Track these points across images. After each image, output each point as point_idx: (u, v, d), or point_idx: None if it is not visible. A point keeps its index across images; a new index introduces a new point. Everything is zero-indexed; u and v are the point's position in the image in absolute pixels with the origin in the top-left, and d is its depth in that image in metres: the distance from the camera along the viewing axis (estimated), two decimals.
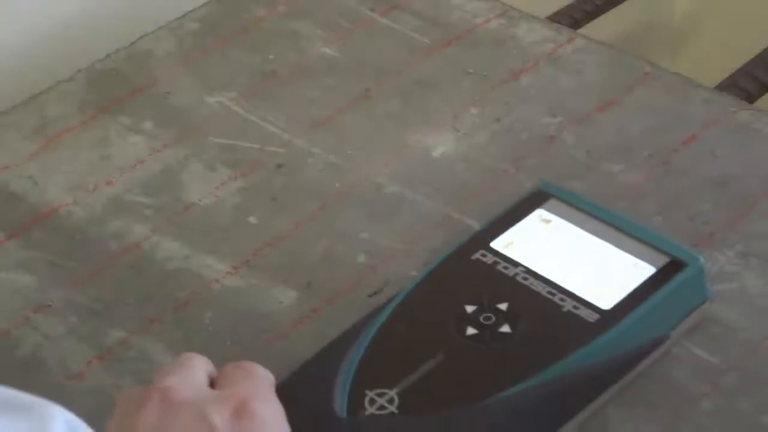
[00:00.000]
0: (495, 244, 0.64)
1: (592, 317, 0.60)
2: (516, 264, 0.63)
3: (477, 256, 0.64)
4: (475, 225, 0.72)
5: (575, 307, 0.61)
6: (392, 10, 0.88)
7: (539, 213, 0.66)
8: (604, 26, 1.05)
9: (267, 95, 0.81)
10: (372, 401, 0.57)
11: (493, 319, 0.60)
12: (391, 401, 0.57)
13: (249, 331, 0.67)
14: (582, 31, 0.91)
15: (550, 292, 0.61)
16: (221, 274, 0.70)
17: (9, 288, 0.70)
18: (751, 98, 0.88)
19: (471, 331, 0.60)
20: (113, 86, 0.83)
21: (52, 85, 0.83)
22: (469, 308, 0.61)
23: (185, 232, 0.73)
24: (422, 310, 0.62)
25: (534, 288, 0.62)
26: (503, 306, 0.61)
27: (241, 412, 0.53)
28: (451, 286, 0.63)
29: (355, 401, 0.57)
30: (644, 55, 0.84)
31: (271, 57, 0.85)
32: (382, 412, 0.57)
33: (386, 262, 0.70)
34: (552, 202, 0.66)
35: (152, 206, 0.75)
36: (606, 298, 0.61)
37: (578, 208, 0.66)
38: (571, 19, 1.00)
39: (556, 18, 0.97)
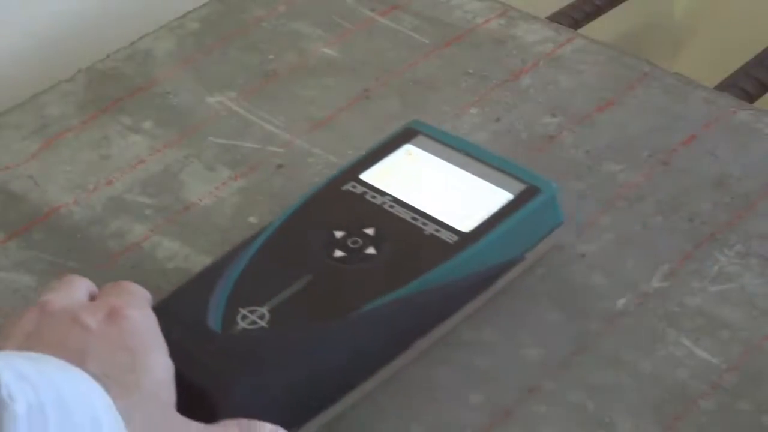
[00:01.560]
0: (364, 176, 0.68)
1: (451, 239, 0.64)
2: (383, 193, 0.67)
3: (347, 187, 0.68)
4: None
5: (436, 230, 0.65)
6: (392, 10, 0.88)
7: (407, 148, 0.70)
8: (604, 26, 1.05)
9: (267, 95, 0.81)
10: (244, 317, 0.61)
11: (360, 242, 0.64)
12: (262, 317, 0.61)
13: None
14: (582, 31, 0.91)
15: (413, 218, 0.65)
16: None
17: (9, 288, 0.70)
18: (751, 98, 0.88)
19: (339, 253, 0.64)
20: (113, 86, 0.83)
21: (52, 85, 0.83)
22: (338, 233, 0.65)
23: (185, 232, 0.73)
24: (294, 235, 0.65)
25: (399, 214, 0.66)
26: (370, 231, 0.65)
27: (114, 315, 0.57)
28: (322, 214, 0.66)
29: (229, 317, 0.61)
30: (644, 55, 0.84)
31: (271, 57, 0.85)
32: (254, 326, 0.60)
33: None
34: (419, 138, 0.70)
35: (152, 206, 0.75)
36: (465, 222, 0.65)
37: (443, 143, 0.70)
38: (571, 19, 1.00)
39: (556, 18, 0.97)
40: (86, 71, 0.84)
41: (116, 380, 0.54)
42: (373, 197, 0.67)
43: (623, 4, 1.09)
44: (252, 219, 0.74)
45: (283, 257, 0.64)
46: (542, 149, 0.77)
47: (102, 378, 0.52)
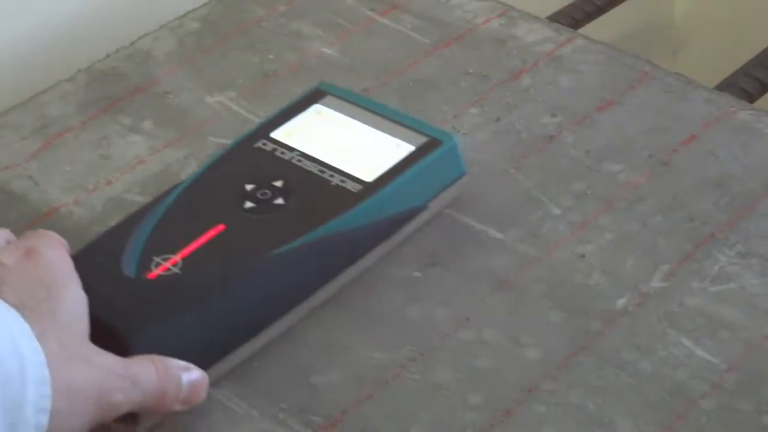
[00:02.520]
0: (275, 134, 0.72)
1: (355, 188, 0.68)
2: (292, 149, 0.71)
3: (258, 144, 0.71)
4: (476, 225, 0.72)
5: (342, 181, 0.68)
6: (392, 10, 0.88)
7: (316, 108, 0.74)
8: (604, 26, 1.05)
9: (267, 95, 0.81)
10: (158, 264, 0.64)
11: (269, 194, 0.68)
12: (175, 264, 0.64)
13: None
14: (582, 31, 0.91)
15: (320, 170, 0.69)
16: None
17: None
18: (751, 98, 0.88)
19: (249, 204, 0.68)
20: (113, 86, 0.83)
21: (52, 85, 0.83)
22: (249, 186, 0.69)
23: None
24: (208, 189, 0.69)
25: (307, 168, 0.70)
26: (278, 183, 0.69)
27: (29, 253, 0.60)
28: (234, 169, 0.70)
29: (143, 264, 0.64)
30: (644, 55, 0.84)
31: (271, 57, 0.85)
32: (166, 272, 0.64)
33: (386, 262, 0.70)
34: (328, 98, 0.74)
35: None
36: (369, 173, 0.69)
37: (351, 102, 0.74)
38: (571, 19, 1.00)
39: (556, 18, 0.97)
40: (86, 71, 0.84)
41: (32, 309, 0.57)
42: (283, 153, 0.71)
43: (623, 4, 1.09)
44: None
45: (196, 209, 0.68)
46: (542, 149, 0.77)
47: (18, 307, 0.55)
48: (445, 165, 0.71)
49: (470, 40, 0.85)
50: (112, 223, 0.72)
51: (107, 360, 0.58)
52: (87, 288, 0.61)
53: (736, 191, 0.73)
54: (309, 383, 0.64)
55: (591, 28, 1.00)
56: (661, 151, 0.76)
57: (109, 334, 0.60)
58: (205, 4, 0.90)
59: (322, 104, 0.74)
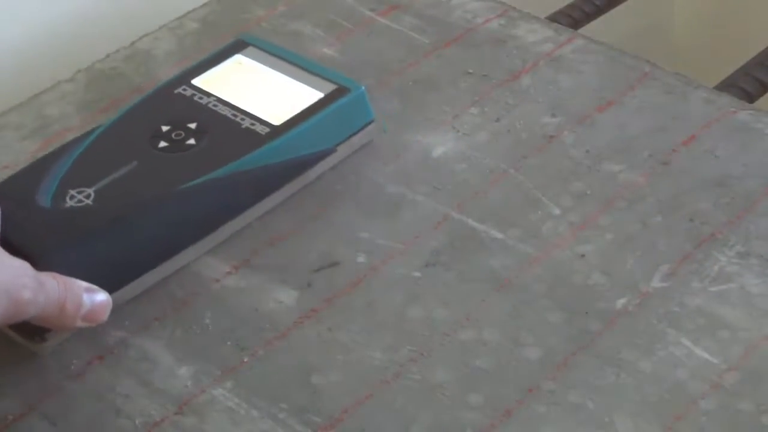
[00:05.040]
0: (195, 81, 0.76)
1: (264, 131, 0.73)
2: (210, 95, 0.75)
3: (179, 90, 0.76)
4: (476, 225, 0.72)
5: (252, 124, 0.73)
6: (392, 10, 0.88)
7: (237, 58, 0.78)
8: (604, 26, 1.05)
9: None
10: (72, 197, 0.69)
11: (182, 135, 0.72)
12: (88, 196, 0.69)
13: (249, 331, 0.67)
14: (582, 31, 0.91)
15: (233, 114, 0.74)
16: (221, 274, 0.71)
17: None
18: (751, 98, 0.87)
19: (162, 144, 0.72)
20: (113, 86, 0.83)
21: (52, 85, 0.83)
22: (164, 128, 0.73)
23: None
24: (126, 129, 0.73)
25: (221, 112, 0.74)
26: (192, 125, 0.73)
27: None
28: (153, 112, 0.74)
29: (58, 196, 0.69)
30: (644, 55, 0.84)
31: None
32: (80, 204, 0.68)
33: (386, 262, 0.70)
34: (249, 49, 0.79)
35: None
36: (278, 117, 0.73)
37: (270, 53, 0.78)
38: (571, 19, 1.00)
39: (556, 18, 0.96)
40: (86, 71, 0.84)
41: None
42: (200, 98, 0.75)
43: (623, 4, 1.09)
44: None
45: (113, 147, 0.72)
46: (542, 149, 0.77)
47: None
48: (353, 111, 0.76)
49: (470, 40, 0.85)
50: None
51: (17, 262, 0.61)
52: (3, 217, 0.64)
53: (736, 191, 0.73)
54: (309, 383, 0.64)
55: (591, 28, 1.00)
56: (661, 151, 0.76)
57: (21, 258, 0.63)
58: (205, 4, 0.90)
59: (243, 54, 0.78)
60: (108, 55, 0.85)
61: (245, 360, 0.66)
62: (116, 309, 0.68)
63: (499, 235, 0.72)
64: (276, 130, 0.73)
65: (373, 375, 0.65)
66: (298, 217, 0.73)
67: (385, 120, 0.79)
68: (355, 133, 0.76)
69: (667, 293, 0.68)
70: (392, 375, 0.65)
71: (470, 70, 0.83)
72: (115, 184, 0.69)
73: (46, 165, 0.71)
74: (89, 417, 0.64)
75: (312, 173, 0.75)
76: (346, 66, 0.83)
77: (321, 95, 0.75)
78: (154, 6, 0.89)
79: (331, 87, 0.75)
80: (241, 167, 0.71)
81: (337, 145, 0.75)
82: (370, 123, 0.77)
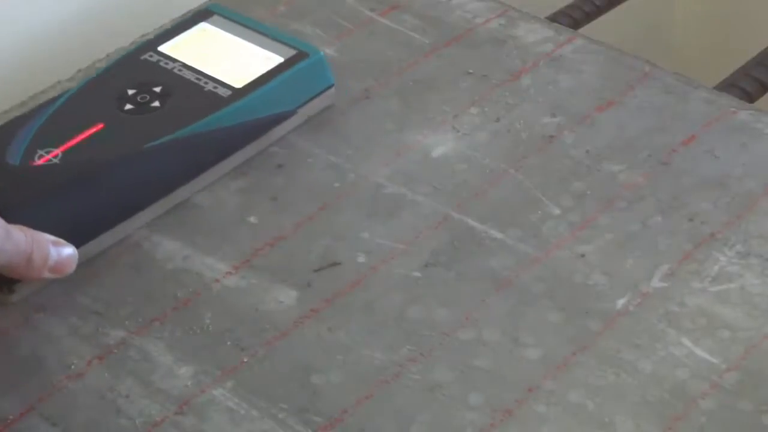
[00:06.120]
0: (162, 48, 0.79)
1: (226, 93, 0.75)
2: (175, 61, 0.78)
3: (145, 56, 0.79)
4: (476, 225, 0.72)
5: (215, 87, 0.76)
6: (392, 10, 0.88)
7: (202, 25, 0.81)
8: (604, 26, 1.05)
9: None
10: (40, 156, 0.71)
11: (148, 97, 0.75)
12: (56, 156, 0.71)
13: (249, 331, 0.67)
14: (582, 31, 0.91)
15: (197, 78, 0.77)
16: (221, 274, 0.71)
17: None
18: (751, 98, 0.87)
19: (128, 106, 0.75)
20: None
21: (52, 85, 0.83)
22: (130, 91, 0.76)
23: (185, 232, 0.73)
24: (94, 93, 0.76)
25: (185, 76, 0.77)
26: (157, 89, 0.76)
27: None
28: (120, 77, 0.77)
29: (27, 155, 0.71)
30: (644, 55, 0.84)
31: None
32: (48, 163, 0.71)
33: (386, 262, 0.70)
34: (214, 17, 0.82)
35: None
36: (240, 80, 0.76)
37: (234, 21, 0.81)
38: (571, 19, 1.00)
39: (556, 18, 0.96)
40: (86, 71, 0.84)
41: None
42: (166, 64, 0.78)
43: (623, 4, 1.09)
44: (252, 219, 0.74)
45: (81, 110, 0.75)
46: (542, 149, 0.77)
47: None
48: (312, 75, 0.79)
49: (470, 40, 0.85)
50: None
51: None
52: None
53: (736, 191, 0.73)
54: (309, 383, 0.64)
55: (591, 28, 1.00)
56: (661, 151, 0.76)
57: None
58: (205, 4, 0.89)
59: (207, 22, 0.81)
60: (108, 55, 0.85)
61: (245, 360, 0.66)
62: (116, 309, 0.68)
63: (499, 235, 0.72)
64: (237, 93, 0.75)
65: (373, 375, 0.65)
66: (298, 217, 0.74)
67: (385, 120, 0.79)
68: (314, 97, 0.79)
69: (667, 293, 0.68)
70: (392, 375, 0.65)
71: (470, 70, 0.83)
72: (82, 144, 0.72)
73: (15, 126, 0.74)
74: (89, 417, 0.64)
75: (273, 135, 0.77)
76: (346, 66, 0.84)
77: (281, 60, 0.78)
78: (155, 6, 0.89)
79: (291, 52, 0.78)
80: (203, 128, 0.73)
81: (297, 108, 0.78)
82: (329, 87, 0.80)
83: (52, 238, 0.67)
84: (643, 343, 0.65)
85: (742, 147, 0.76)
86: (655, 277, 0.68)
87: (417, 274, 0.70)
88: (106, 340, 0.67)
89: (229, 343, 0.67)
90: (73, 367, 0.66)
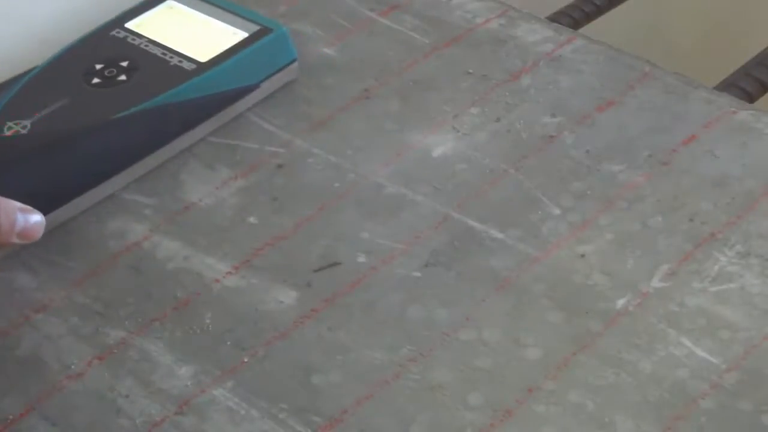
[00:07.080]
0: (129, 24, 0.82)
1: (190, 67, 0.78)
2: (142, 37, 0.81)
3: (113, 33, 0.81)
4: (476, 225, 0.72)
5: (180, 62, 0.78)
6: (392, 10, 0.88)
7: (168, 3, 0.83)
8: (604, 26, 1.05)
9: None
10: (9, 128, 0.73)
11: (115, 72, 0.77)
12: (24, 128, 0.74)
13: (249, 331, 0.67)
14: (582, 31, 0.91)
15: (163, 53, 0.79)
16: (221, 274, 0.71)
17: (9, 287, 0.70)
18: (751, 98, 0.87)
19: (96, 80, 0.77)
20: None
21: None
22: (98, 66, 0.78)
23: (185, 232, 0.73)
24: (63, 67, 0.79)
25: (151, 51, 0.79)
26: (124, 63, 0.78)
27: None
28: (88, 52, 0.80)
29: None
30: (644, 55, 0.84)
31: None
32: (16, 135, 0.73)
33: (386, 262, 0.70)
34: None
35: (152, 206, 0.75)
36: (205, 55, 0.79)
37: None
38: (571, 19, 1.00)
39: (556, 18, 0.96)
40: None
41: None
42: (133, 40, 0.80)
43: (623, 4, 1.09)
44: (252, 219, 0.74)
45: (50, 84, 0.77)
46: (542, 149, 0.77)
47: None
48: (275, 50, 0.81)
49: (470, 41, 0.85)
50: (112, 222, 0.72)
51: None
52: None
53: (736, 191, 0.73)
54: (309, 383, 0.64)
55: (591, 28, 1.00)
56: (661, 151, 0.76)
57: None
58: None
59: (175, 0, 0.83)
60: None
61: (245, 360, 0.66)
62: (116, 309, 0.68)
63: (499, 235, 0.72)
64: (202, 66, 0.78)
65: (373, 375, 0.65)
66: (298, 217, 0.74)
67: (385, 119, 0.79)
68: (277, 71, 0.81)
69: (667, 293, 0.68)
70: (392, 375, 0.65)
71: (470, 70, 0.83)
72: (50, 116, 0.74)
73: None
74: (89, 417, 0.64)
75: (237, 107, 0.79)
76: (346, 66, 0.84)
77: (245, 35, 0.80)
78: None
79: (255, 28, 0.80)
80: (168, 100, 0.76)
81: (261, 82, 0.80)
82: (292, 62, 0.82)
83: (19, 205, 0.68)
84: (643, 343, 0.65)
85: (742, 147, 0.76)
86: (655, 277, 0.68)
87: (417, 274, 0.70)
88: (106, 340, 0.67)
89: (229, 343, 0.67)
90: (73, 367, 0.66)
